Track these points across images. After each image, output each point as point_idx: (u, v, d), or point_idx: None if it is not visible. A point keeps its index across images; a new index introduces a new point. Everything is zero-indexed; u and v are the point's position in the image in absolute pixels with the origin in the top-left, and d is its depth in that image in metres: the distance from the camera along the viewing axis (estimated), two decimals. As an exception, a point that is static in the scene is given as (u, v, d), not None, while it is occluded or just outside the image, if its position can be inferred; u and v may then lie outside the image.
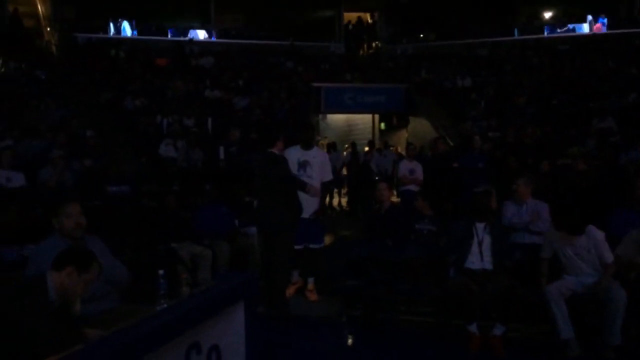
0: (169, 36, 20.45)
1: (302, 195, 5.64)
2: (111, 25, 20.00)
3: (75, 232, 3.47)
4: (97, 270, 2.94)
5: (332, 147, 14.01)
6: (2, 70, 14.07)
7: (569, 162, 7.87)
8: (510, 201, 5.57)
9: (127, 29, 20.11)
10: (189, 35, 20.20)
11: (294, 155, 5.83)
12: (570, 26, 20.53)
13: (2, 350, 2.44)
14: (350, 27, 23.03)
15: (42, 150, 8.80)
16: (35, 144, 9.24)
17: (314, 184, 5.73)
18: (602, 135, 10.43)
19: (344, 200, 13.72)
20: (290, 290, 5.93)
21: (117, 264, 3.65)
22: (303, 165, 5.83)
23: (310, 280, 5.99)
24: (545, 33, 20.72)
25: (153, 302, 2.96)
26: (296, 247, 5.89)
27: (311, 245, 5.93)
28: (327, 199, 13.09)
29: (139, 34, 20.12)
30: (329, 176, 6.10)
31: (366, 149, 13.49)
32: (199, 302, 3.10)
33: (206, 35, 20.71)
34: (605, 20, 19.79)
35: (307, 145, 5.94)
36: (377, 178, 11.44)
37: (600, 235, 4.44)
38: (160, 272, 3.06)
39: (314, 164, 5.87)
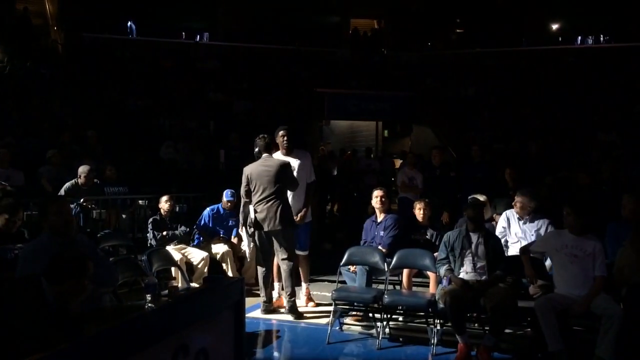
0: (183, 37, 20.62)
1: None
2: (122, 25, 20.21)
3: (64, 229, 3.46)
4: (91, 269, 2.96)
5: (330, 155, 13.92)
6: (7, 67, 14.10)
7: (569, 174, 7.84)
8: (508, 215, 5.54)
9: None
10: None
11: None
12: (578, 39, 20.52)
13: None
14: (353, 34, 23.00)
15: (42, 148, 8.82)
16: (36, 142, 9.27)
17: None
18: (605, 148, 10.38)
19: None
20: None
21: (106, 263, 3.65)
22: None
23: (304, 285, 5.97)
24: (554, 45, 20.68)
25: (142, 302, 2.97)
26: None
27: (298, 252, 5.88)
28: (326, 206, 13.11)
29: (145, 35, 20.19)
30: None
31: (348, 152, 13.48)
32: (188, 305, 3.09)
33: (199, 37, 20.74)
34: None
35: None
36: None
37: (600, 245, 4.47)
38: (150, 273, 3.07)
39: None
